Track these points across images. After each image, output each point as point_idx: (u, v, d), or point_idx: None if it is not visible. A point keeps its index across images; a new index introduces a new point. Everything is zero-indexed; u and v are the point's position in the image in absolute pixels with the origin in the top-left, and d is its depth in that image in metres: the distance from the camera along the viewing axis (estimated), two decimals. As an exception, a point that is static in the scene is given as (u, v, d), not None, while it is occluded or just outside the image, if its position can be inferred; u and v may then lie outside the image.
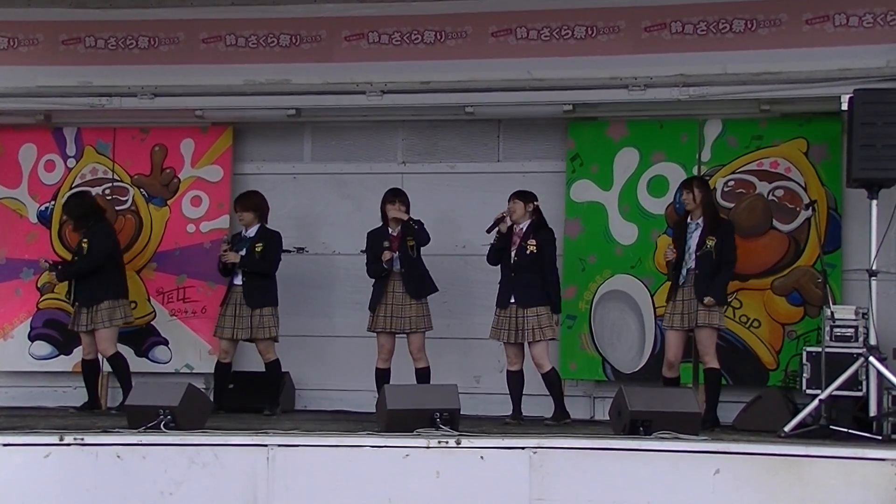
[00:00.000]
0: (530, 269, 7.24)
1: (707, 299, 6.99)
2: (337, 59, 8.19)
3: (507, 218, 7.29)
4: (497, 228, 7.31)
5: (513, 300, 7.23)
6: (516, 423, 7.13)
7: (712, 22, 7.71)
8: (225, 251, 7.71)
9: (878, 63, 7.41)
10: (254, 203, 7.85)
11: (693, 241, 7.13)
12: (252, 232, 7.80)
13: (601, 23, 7.85)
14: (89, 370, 7.95)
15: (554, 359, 7.55)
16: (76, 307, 7.89)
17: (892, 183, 6.49)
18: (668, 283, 7.33)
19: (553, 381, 7.25)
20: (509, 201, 7.35)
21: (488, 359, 8.12)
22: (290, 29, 8.26)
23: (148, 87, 8.38)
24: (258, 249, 7.71)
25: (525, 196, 7.37)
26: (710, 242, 7.07)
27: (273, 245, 7.79)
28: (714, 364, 7.12)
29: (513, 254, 7.26)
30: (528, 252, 7.23)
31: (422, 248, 7.57)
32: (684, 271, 7.12)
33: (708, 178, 7.89)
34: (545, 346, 7.25)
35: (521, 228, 7.31)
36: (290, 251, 8.14)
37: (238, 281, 7.72)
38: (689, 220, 7.23)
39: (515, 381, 7.31)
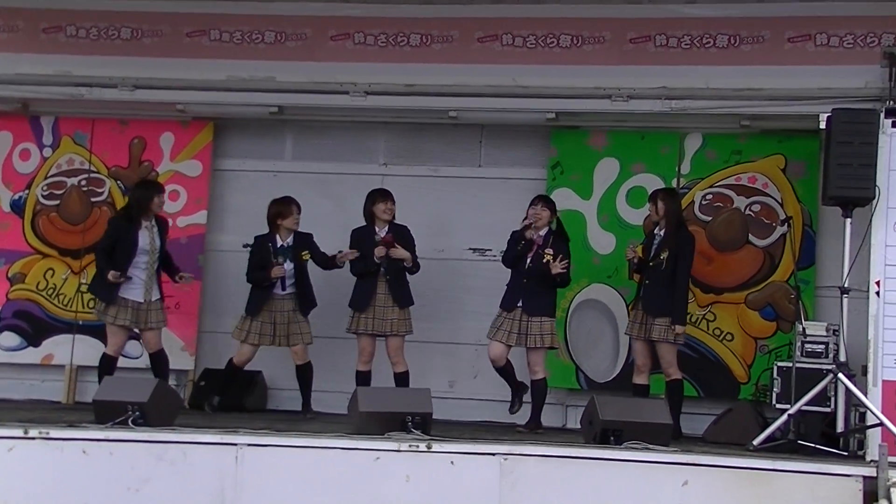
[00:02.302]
0: (542, 278, 7.20)
1: (677, 328, 7.13)
2: (321, 59, 8.17)
3: (533, 225, 7.23)
4: (524, 235, 7.22)
5: (520, 305, 7.19)
6: (517, 407, 7.22)
7: (696, 36, 7.76)
8: (277, 265, 7.54)
9: (857, 83, 7.48)
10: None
11: (653, 251, 7.22)
12: (290, 240, 7.66)
13: (586, 32, 7.88)
14: (114, 365, 7.65)
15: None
16: (145, 303, 7.48)
17: (866, 202, 6.54)
18: (644, 294, 7.38)
19: (540, 390, 7.25)
20: (536, 206, 7.25)
21: (463, 364, 8.14)
22: (276, 26, 8.23)
23: (129, 78, 8.32)
24: (306, 257, 7.63)
25: (550, 203, 7.33)
26: (663, 255, 7.15)
27: (317, 246, 7.71)
28: (677, 375, 7.19)
29: (528, 260, 7.21)
30: (544, 261, 7.18)
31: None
32: (644, 281, 7.24)
33: (686, 190, 7.94)
34: (543, 354, 7.25)
35: (540, 235, 7.26)
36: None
37: (286, 290, 7.60)
38: (655, 230, 7.30)
39: (505, 370, 7.27)
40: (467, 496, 5.86)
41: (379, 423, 6.17)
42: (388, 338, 7.48)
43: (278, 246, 7.65)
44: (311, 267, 7.71)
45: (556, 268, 7.13)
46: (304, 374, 7.68)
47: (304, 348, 7.64)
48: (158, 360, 7.60)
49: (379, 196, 7.57)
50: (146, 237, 7.50)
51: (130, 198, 7.78)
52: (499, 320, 7.23)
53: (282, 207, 7.68)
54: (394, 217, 7.55)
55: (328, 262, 7.62)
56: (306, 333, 7.65)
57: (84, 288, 8.47)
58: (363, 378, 7.45)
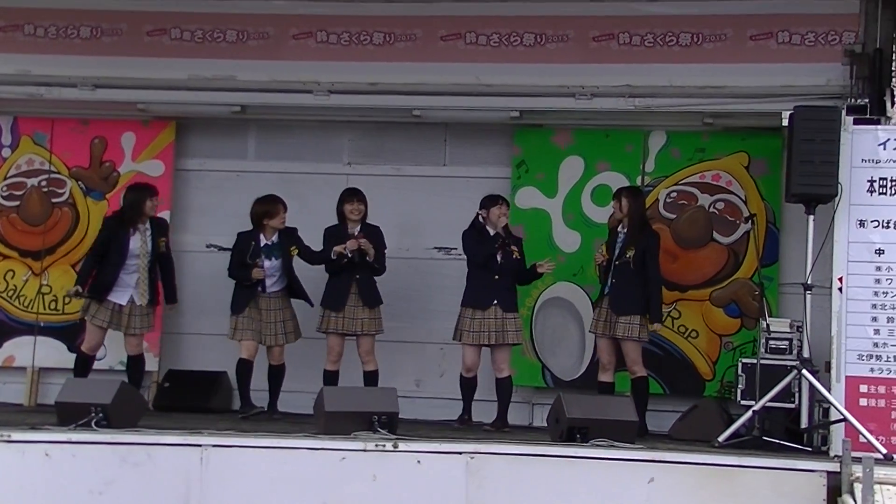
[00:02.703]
0: (512, 274, 7.28)
1: (655, 325, 7.22)
2: (284, 57, 8.12)
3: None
4: (503, 236, 7.26)
5: (496, 302, 7.21)
6: (467, 427, 7.17)
7: (659, 34, 7.79)
8: (258, 268, 7.49)
9: (819, 81, 7.53)
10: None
11: (618, 250, 7.23)
12: (275, 238, 7.61)
13: (550, 31, 7.89)
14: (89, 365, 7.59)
15: (493, 364, 7.56)
16: (127, 307, 7.42)
17: (829, 199, 6.58)
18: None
19: (507, 387, 7.29)
20: (501, 206, 7.28)
21: (428, 363, 8.12)
22: (237, 25, 8.18)
23: (89, 78, 8.24)
24: (294, 252, 7.59)
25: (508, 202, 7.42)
26: (629, 253, 7.19)
27: (302, 241, 7.65)
28: (642, 373, 7.22)
29: (500, 257, 7.25)
30: (514, 257, 7.27)
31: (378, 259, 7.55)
32: (609, 280, 7.24)
33: (650, 188, 7.97)
34: (510, 351, 7.30)
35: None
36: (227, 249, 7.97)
37: (267, 291, 7.53)
38: (619, 228, 7.33)
39: (469, 386, 7.33)
40: (434, 495, 5.87)
41: (345, 423, 6.15)
42: (360, 337, 7.49)
43: (262, 245, 7.59)
44: (294, 264, 7.67)
45: (544, 268, 7.27)
46: (277, 376, 7.63)
47: (282, 350, 7.59)
48: (135, 365, 7.55)
49: (347, 196, 7.58)
50: (138, 241, 7.47)
51: (123, 201, 7.75)
52: (472, 322, 7.22)
53: (269, 207, 7.62)
54: (365, 217, 7.54)
55: (314, 258, 7.59)
56: (290, 333, 7.60)
57: (45, 290, 8.39)
58: (331, 377, 7.45)
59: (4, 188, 8.60)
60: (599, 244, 7.42)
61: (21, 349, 8.38)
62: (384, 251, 7.55)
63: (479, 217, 7.32)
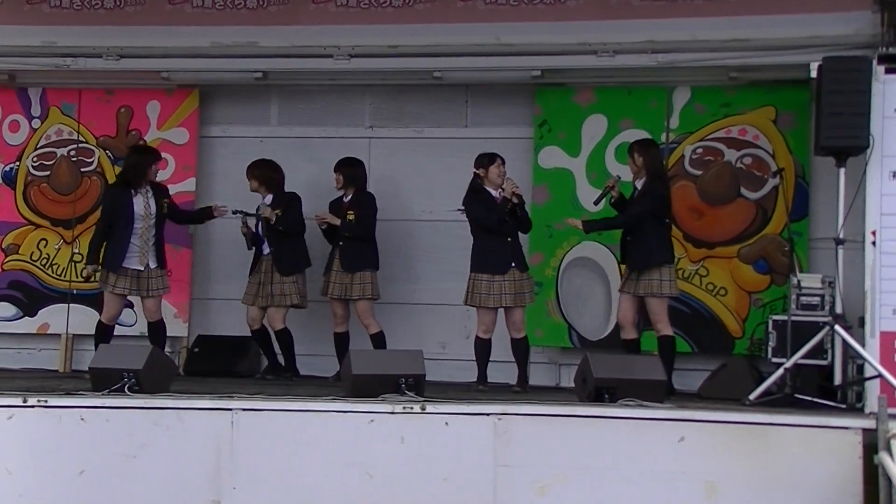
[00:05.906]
0: (518, 232, 7.34)
1: (584, 226, 7.18)
2: (304, 22, 8.08)
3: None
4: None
5: (513, 265, 7.23)
6: (486, 389, 7.17)
7: (682, -12, 7.68)
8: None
9: (847, 31, 7.33)
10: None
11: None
12: (269, 199, 7.80)
13: (570, -12, 7.82)
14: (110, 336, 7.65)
15: (518, 325, 7.54)
16: (145, 270, 7.47)
17: (859, 151, 6.47)
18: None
19: (525, 347, 7.30)
20: (496, 164, 7.28)
21: (454, 325, 8.11)
22: (258, -9, 8.18)
23: (113, 48, 8.27)
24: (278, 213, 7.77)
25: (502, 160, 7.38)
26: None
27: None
28: (667, 331, 7.10)
29: (507, 219, 7.26)
30: (519, 215, 7.31)
31: (374, 221, 7.69)
32: (624, 236, 7.19)
33: (675, 145, 7.88)
34: (525, 311, 7.30)
35: (502, 190, 7.30)
36: (252, 215, 7.98)
37: (266, 250, 7.74)
38: (635, 182, 7.26)
39: (486, 349, 7.34)
40: (462, 456, 5.88)
41: (372, 386, 6.18)
42: (355, 303, 7.62)
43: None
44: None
45: (514, 189, 7.19)
46: (282, 341, 7.74)
47: (277, 312, 7.66)
48: (156, 330, 7.59)
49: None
50: (141, 203, 7.48)
51: (126, 163, 7.77)
52: (490, 286, 7.20)
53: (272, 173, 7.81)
54: (360, 185, 7.68)
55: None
56: (284, 296, 7.65)
57: (77, 258, 8.48)
58: (338, 340, 7.62)
59: (35, 158, 8.68)
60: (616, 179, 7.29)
61: (55, 316, 8.49)
62: (369, 217, 7.63)
63: (477, 177, 7.30)
